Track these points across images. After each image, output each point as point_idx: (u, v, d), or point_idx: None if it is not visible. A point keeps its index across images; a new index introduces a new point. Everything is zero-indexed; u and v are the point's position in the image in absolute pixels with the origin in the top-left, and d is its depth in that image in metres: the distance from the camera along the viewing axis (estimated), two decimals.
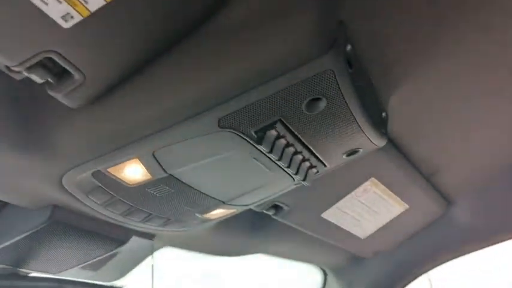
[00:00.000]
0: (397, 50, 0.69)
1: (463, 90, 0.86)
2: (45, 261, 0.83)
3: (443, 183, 1.22)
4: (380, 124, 0.70)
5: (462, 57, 0.76)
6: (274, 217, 1.05)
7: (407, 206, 1.21)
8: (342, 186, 1.04)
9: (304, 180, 0.70)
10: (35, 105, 0.57)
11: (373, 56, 0.65)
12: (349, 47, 0.55)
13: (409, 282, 1.52)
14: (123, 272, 1.08)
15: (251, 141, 0.60)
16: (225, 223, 1.01)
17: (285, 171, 0.68)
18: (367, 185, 1.04)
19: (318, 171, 0.72)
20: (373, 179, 1.03)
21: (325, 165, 0.71)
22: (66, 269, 0.89)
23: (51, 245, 0.78)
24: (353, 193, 1.06)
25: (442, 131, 0.99)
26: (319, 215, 1.09)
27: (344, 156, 0.71)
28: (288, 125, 0.59)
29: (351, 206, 1.10)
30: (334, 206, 1.08)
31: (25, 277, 0.88)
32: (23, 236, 0.72)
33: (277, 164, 0.66)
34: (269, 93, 0.54)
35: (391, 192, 1.12)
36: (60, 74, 0.50)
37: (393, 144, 0.98)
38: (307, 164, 0.68)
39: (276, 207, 1.03)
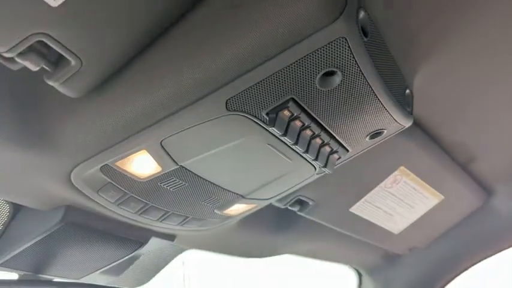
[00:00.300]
0: (419, 20, 0.63)
1: (500, 65, 0.78)
2: (64, 266, 0.82)
3: (481, 172, 1.13)
4: (404, 102, 0.64)
5: (500, 27, 0.69)
6: (299, 213, 1.00)
7: (442, 197, 1.13)
8: (369, 177, 0.98)
9: (325, 166, 0.65)
10: (36, 100, 0.55)
11: (392, 27, 0.60)
12: (362, 14, 0.50)
13: (450, 280, 1.43)
14: (147, 276, 1.06)
15: (263, 125, 0.55)
16: (248, 222, 0.97)
17: (304, 158, 0.64)
18: (396, 174, 0.98)
19: (340, 157, 0.67)
20: (402, 167, 0.97)
21: (347, 150, 0.66)
22: (87, 274, 0.87)
23: (68, 248, 0.76)
24: (382, 184, 1.00)
25: (478, 112, 0.91)
26: (347, 209, 1.03)
27: (367, 139, 0.65)
28: (302, 104, 0.54)
29: (381, 199, 1.04)
30: (362, 199, 1.02)
31: (48, 282, 0.87)
32: (38, 239, 0.70)
33: (295, 150, 0.61)
34: (277, 69, 0.49)
35: (423, 182, 1.05)
36: (56, 61, 0.48)
37: (422, 128, 0.92)
38: (327, 148, 0.63)
39: (301, 203, 0.98)
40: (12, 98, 0.54)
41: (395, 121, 0.63)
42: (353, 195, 1.01)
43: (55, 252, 0.76)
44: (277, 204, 0.96)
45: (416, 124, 0.91)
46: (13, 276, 0.83)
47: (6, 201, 0.73)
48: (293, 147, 0.59)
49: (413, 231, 1.22)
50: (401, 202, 1.08)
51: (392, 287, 1.48)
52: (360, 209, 1.04)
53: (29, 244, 0.71)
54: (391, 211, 1.10)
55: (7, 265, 0.76)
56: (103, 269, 0.88)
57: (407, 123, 0.65)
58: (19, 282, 0.83)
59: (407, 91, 0.67)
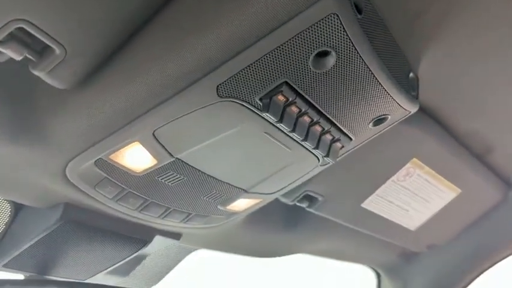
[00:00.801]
0: None
1: None
2: (68, 267, 0.81)
3: (500, 163, 1.08)
4: (408, 85, 0.61)
5: None
6: (308, 209, 0.97)
7: (459, 191, 1.09)
8: (379, 170, 0.94)
9: (327, 156, 0.62)
10: (24, 92, 0.54)
11: (392, 6, 0.57)
12: None
13: (472, 279, 1.37)
14: (155, 277, 1.04)
15: (258, 112, 0.53)
16: (256, 220, 0.95)
17: (305, 148, 0.61)
18: (409, 167, 0.94)
19: (343, 146, 0.64)
20: (415, 159, 0.93)
21: (350, 138, 0.63)
22: (93, 275, 0.86)
23: (70, 248, 0.75)
24: (394, 178, 0.96)
25: (493, 99, 0.86)
26: (358, 204, 1.00)
27: (371, 126, 0.62)
28: (297, 88, 0.51)
29: (394, 193, 1.00)
30: (374, 194, 0.98)
31: (54, 282, 0.86)
32: (38, 238, 0.69)
33: (294, 139, 0.59)
34: (267, 50, 0.47)
35: (438, 175, 1.01)
36: (41, 50, 0.47)
37: (433, 117, 0.88)
38: (328, 136, 0.60)
39: (310, 199, 0.95)
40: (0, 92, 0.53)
41: (399, 106, 0.59)
42: (364, 190, 0.97)
43: (58, 252, 0.75)
44: (285, 201, 0.93)
45: (427, 113, 0.87)
46: (19, 277, 0.83)
47: (7, 200, 0.73)
48: (291, 135, 0.57)
49: (431, 227, 1.17)
50: (415, 196, 1.04)
51: (412, 287, 1.43)
52: (372, 204, 1.01)
53: (30, 244, 0.71)
54: (406, 206, 1.06)
55: (11, 266, 0.75)
56: (109, 269, 0.87)
57: (412, 109, 0.62)
58: (25, 282, 0.83)
59: (411, 74, 0.63)
